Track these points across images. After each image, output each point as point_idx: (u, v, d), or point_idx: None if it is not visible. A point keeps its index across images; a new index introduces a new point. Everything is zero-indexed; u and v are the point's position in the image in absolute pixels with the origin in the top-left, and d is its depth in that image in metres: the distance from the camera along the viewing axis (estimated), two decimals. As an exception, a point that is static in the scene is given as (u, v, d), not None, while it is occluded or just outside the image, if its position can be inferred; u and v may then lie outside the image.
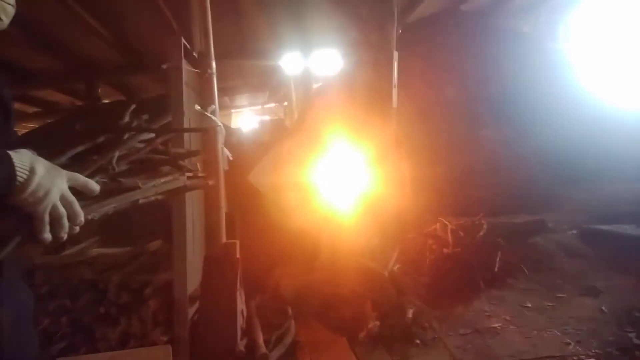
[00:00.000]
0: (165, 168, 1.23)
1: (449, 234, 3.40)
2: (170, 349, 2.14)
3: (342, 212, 3.93)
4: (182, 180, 1.30)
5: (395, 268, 3.00)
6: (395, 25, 3.66)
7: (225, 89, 7.74)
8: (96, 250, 2.75)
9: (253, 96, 9.26)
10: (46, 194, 0.75)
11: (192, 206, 2.35)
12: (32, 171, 0.74)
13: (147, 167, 1.19)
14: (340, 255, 3.50)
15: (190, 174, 1.36)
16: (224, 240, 2.54)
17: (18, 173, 0.73)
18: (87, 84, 6.28)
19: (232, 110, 10.68)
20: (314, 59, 5.89)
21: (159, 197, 1.12)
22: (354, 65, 4.55)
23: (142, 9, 4.49)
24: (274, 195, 3.80)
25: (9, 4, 0.99)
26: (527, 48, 5.42)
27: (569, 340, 2.53)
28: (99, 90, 6.39)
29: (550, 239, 3.86)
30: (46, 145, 1.07)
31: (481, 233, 3.35)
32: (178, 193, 1.18)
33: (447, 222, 3.59)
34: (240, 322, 2.47)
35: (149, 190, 1.07)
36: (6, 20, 1.01)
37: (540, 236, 3.89)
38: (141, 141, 1.20)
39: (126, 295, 2.31)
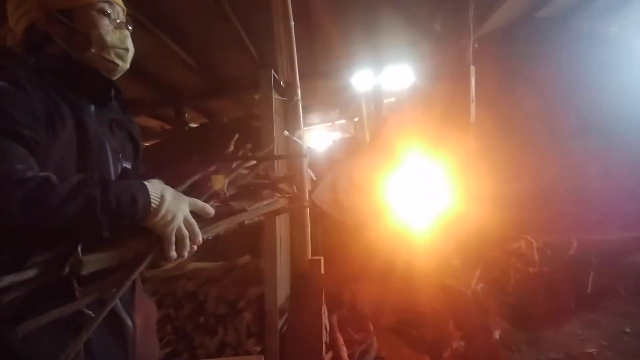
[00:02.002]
0: (266, 191, 1.36)
1: (535, 252, 3.25)
2: (263, 358, 2.30)
3: (421, 229, 3.91)
4: (281, 202, 1.43)
5: (479, 287, 2.93)
6: (472, 39, 3.62)
7: (299, 108, 8.04)
8: (193, 265, 3.01)
9: (324, 113, 9.45)
10: (173, 217, 0.88)
11: (280, 225, 2.50)
12: (162, 198, 0.88)
13: (251, 191, 1.33)
14: (419, 273, 3.49)
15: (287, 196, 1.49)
16: (309, 256, 2.67)
17: (152, 200, 0.86)
18: (176, 110, 6.85)
19: (305, 128, 10.99)
20: (386, 74, 5.93)
21: (262, 218, 1.25)
22: (429, 80, 4.54)
23: (225, 39, 4.85)
24: (351, 211, 3.88)
25: (122, 49, 1.11)
26: (615, 51, 5.05)
27: (676, 371, 2.32)
28: (186, 115, 6.94)
29: (650, 259, 3.55)
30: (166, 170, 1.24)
31: (571, 252, 3.17)
32: (278, 214, 1.31)
33: (532, 240, 3.44)
34: (324, 336, 2.57)
35: (254, 212, 1.21)
36: (122, 64, 1.13)
37: (638, 255, 3.58)
38: (245, 168, 1.34)
39: (223, 307, 2.50)
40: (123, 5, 1.14)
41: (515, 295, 3.01)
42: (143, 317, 1.20)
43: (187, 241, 0.91)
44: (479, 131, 3.64)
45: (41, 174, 0.78)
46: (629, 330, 2.78)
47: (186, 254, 0.93)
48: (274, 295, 2.40)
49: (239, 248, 3.41)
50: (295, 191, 1.74)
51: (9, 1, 1.03)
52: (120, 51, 1.11)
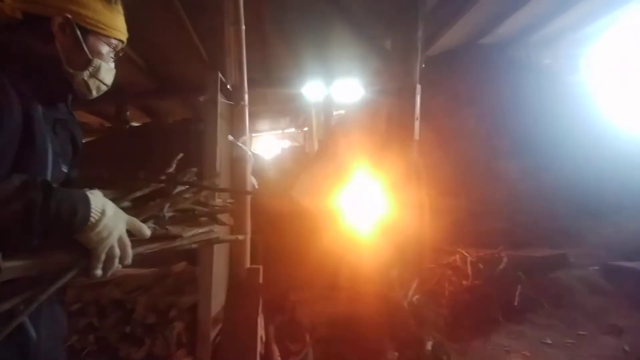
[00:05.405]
0: (203, 219, 1.31)
1: (468, 265, 3.39)
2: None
3: (361, 240, 3.96)
4: (216, 233, 1.38)
5: (415, 298, 3.00)
6: (419, 58, 3.75)
7: (248, 114, 7.96)
8: (123, 271, 2.83)
9: (274, 121, 9.44)
10: (109, 235, 0.82)
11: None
12: (102, 213, 0.82)
13: (189, 215, 1.27)
14: (359, 283, 3.52)
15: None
16: (247, 265, 2.60)
17: (92, 213, 0.80)
18: (117, 107, 6.52)
19: (253, 134, 10.90)
20: (336, 87, 6.03)
21: (194, 245, 1.21)
22: (376, 94, 4.65)
23: (175, 38, 4.71)
24: (295, 221, 3.86)
25: (105, 85, 1.11)
26: (548, 80, 5.47)
27: (590, 380, 2.49)
28: (128, 113, 6.63)
29: (571, 274, 3.79)
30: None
31: (501, 266, 3.34)
32: (211, 244, 1.27)
33: (466, 254, 3.59)
34: (259, 347, 2.51)
35: (189, 239, 1.16)
36: (94, 95, 1.11)
37: (561, 271, 3.82)
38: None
39: (152, 316, 2.38)
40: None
41: (449, 307, 3.12)
42: (51, 327, 1.11)
43: (117, 261, 0.85)
44: (422, 147, 3.76)
45: None
46: (550, 342, 2.95)
47: (110, 275, 0.86)
48: (207, 304, 2.32)
49: (175, 254, 3.27)
50: (232, 223, 1.70)
51: None
52: (102, 86, 1.11)
